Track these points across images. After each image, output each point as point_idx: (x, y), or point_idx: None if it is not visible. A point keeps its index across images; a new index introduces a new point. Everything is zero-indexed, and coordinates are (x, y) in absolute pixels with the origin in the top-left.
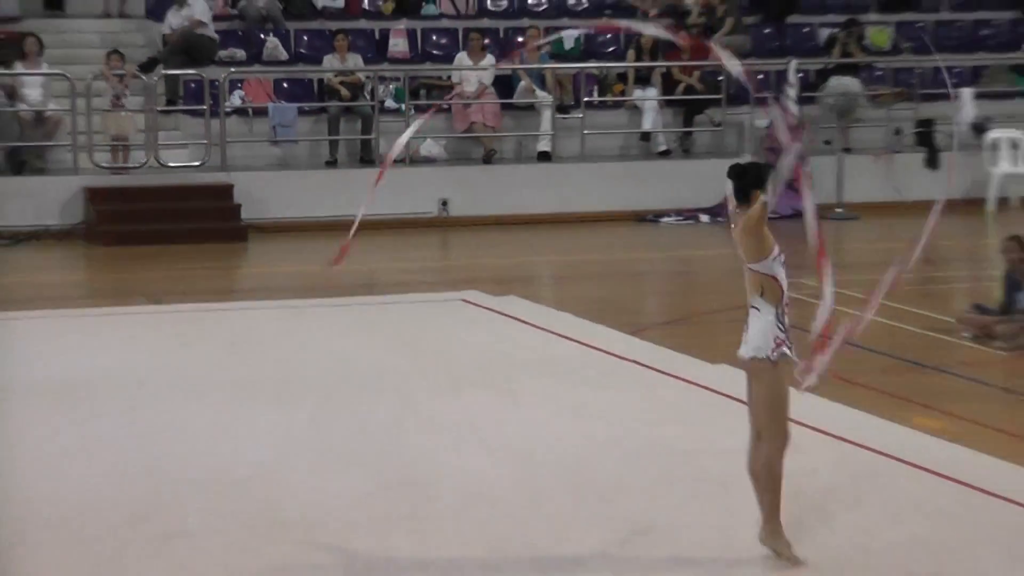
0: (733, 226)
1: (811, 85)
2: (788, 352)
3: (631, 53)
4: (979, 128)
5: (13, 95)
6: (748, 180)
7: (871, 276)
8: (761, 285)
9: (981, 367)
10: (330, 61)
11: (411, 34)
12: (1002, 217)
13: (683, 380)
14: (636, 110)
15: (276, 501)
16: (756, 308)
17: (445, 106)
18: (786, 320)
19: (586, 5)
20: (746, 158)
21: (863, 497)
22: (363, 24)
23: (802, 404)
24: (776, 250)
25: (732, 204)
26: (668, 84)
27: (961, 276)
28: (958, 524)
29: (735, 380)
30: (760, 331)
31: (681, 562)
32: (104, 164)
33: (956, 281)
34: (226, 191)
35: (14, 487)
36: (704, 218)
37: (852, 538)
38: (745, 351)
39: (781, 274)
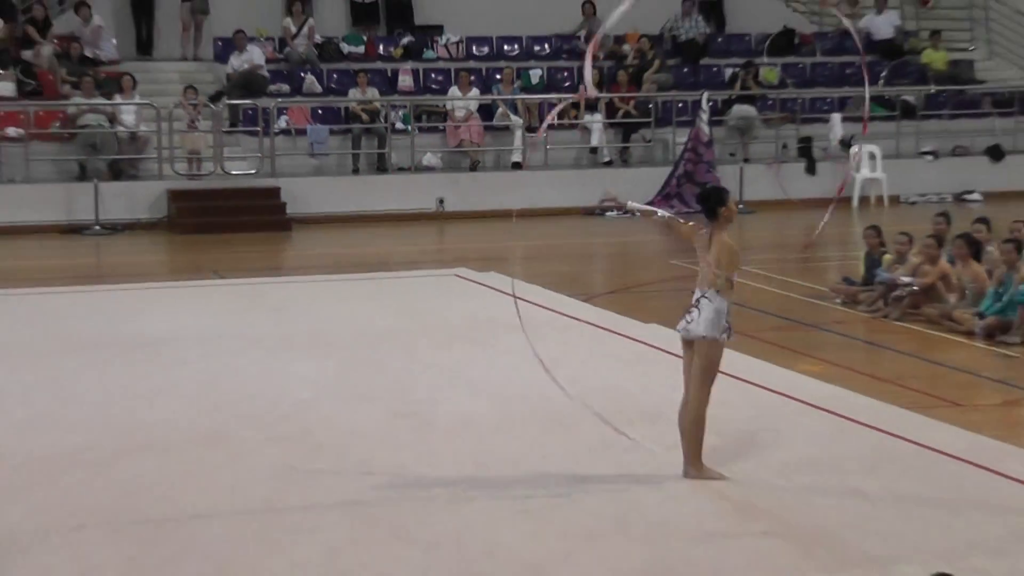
0: (700, 236)
1: (718, 111)
2: (728, 337)
3: (582, 88)
4: (845, 143)
5: (113, 120)
6: (712, 202)
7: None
8: (728, 284)
9: (849, 325)
10: (354, 93)
11: (415, 72)
12: (863, 211)
13: (623, 336)
14: (586, 130)
15: (312, 428)
16: (708, 299)
17: (441, 126)
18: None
19: (548, 51)
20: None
21: (760, 425)
22: (379, 65)
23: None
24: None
25: (702, 226)
26: (611, 110)
27: (833, 256)
28: (833, 446)
29: (664, 336)
30: (714, 318)
31: (624, 475)
32: (182, 172)
33: (829, 260)
34: (275, 192)
35: (119, 414)
36: (630, 204)
37: (752, 457)
38: (696, 329)
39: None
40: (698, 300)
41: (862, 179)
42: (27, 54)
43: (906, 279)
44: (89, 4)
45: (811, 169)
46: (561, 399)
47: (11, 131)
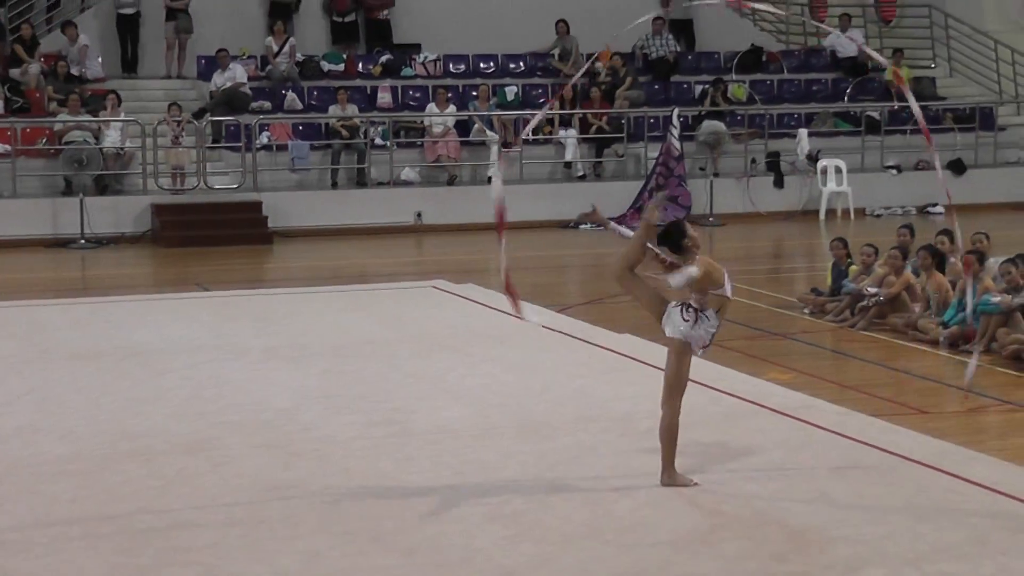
0: (663, 269)
1: (689, 126)
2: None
3: (556, 104)
4: (812, 158)
5: (99, 136)
6: (674, 237)
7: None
8: (720, 304)
9: (817, 335)
10: (334, 110)
11: (394, 90)
12: (830, 223)
13: (596, 345)
14: (560, 145)
15: (294, 436)
16: (707, 317)
17: (419, 142)
18: None
19: (523, 68)
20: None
21: (730, 433)
22: (358, 82)
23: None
24: (726, 277)
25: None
26: (584, 125)
27: (800, 267)
28: (800, 452)
29: (636, 346)
30: (702, 334)
31: (599, 481)
32: (166, 187)
33: (798, 271)
34: (256, 206)
35: (104, 423)
36: (613, 226)
37: (722, 464)
38: (675, 333)
39: (729, 291)
40: (694, 310)
41: (828, 192)
42: (15, 72)
43: (872, 290)
44: (76, 24)
45: (779, 183)
46: (538, 405)
47: None
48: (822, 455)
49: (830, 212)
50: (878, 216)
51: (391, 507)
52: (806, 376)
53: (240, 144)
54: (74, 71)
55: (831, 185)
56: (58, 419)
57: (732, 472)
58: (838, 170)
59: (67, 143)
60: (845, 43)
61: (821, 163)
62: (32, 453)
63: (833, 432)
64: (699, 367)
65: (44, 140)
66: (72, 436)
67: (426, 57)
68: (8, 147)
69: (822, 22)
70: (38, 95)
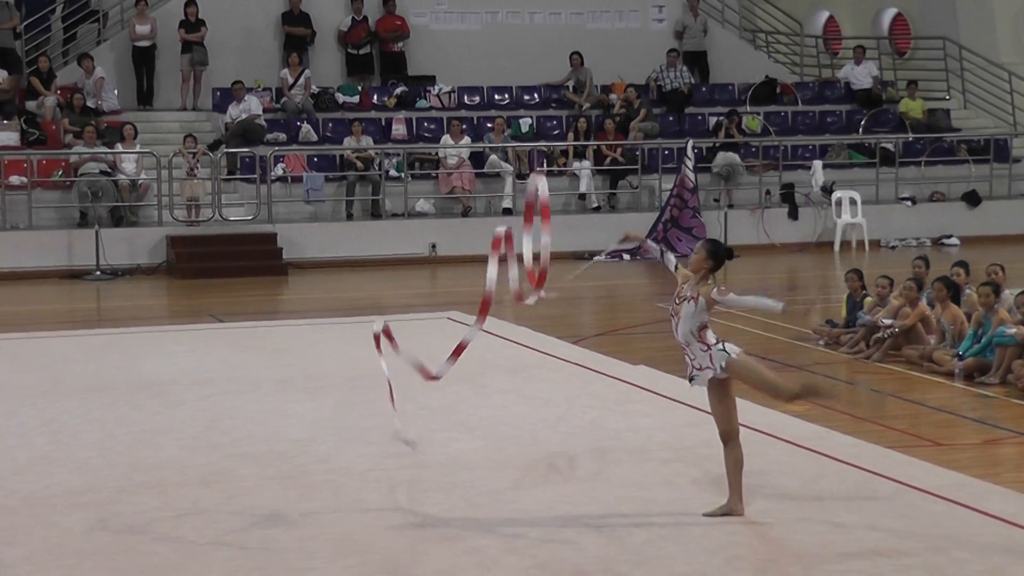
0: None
1: (703, 158)
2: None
3: (570, 135)
4: (827, 190)
5: (114, 168)
6: (724, 257)
7: None
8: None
9: (831, 366)
10: (348, 141)
11: (408, 121)
12: (844, 255)
13: (611, 377)
14: (575, 177)
15: (308, 467)
16: (707, 345)
17: (433, 173)
18: None
19: (537, 100)
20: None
21: (746, 464)
22: (373, 114)
23: (703, 396)
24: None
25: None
26: (598, 157)
27: (815, 298)
28: (815, 483)
29: (650, 377)
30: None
31: (612, 514)
32: (181, 218)
33: (812, 302)
34: (271, 238)
35: (118, 454)
36: (626, 257)
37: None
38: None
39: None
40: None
41: (843, 224)
42: (31, 105)
43: (887, 321)
44: (92, 56)
45: (793, 214)
46: (551, 437)
47: (15, 179)
48: (837, 487)
49: (845, 244)
50: (893, 248)
51: (406, 539)
52: (820, 408)
53: (255, 176)
54: (90, 103)
55: (846, 217)
56: (72, 451)
57: (746, 503)
58: (853, 202)
59: (82, 175)
60: (858, 74)
61: (836, 195)
62: (46, 485)
63: (848, 464)
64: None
65: (60, 172)
66: (86, 468)
67: (440, 89)
68: (24, 179)
69: (836, 54)
70: (54, 127)
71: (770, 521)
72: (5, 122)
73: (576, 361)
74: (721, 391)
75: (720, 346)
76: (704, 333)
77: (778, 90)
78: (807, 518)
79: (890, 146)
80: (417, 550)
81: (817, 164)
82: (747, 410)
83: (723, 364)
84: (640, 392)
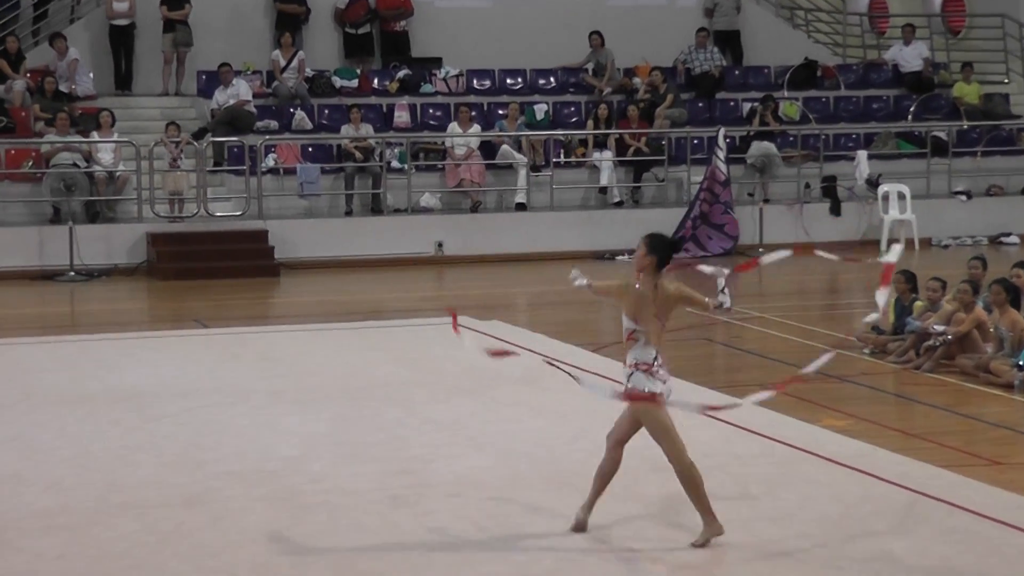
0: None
1: (736, 148)
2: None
3: (590, 123)
4: (872, 183)
5: (90, 158)
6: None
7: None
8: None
9: (877, 377)
10: (346, 130)
11: (412, 108)
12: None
13: None
14: (595, 169)
15: (302, 488)
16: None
17: (440, 165)
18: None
19: (553, 84)
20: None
21: (782, 484)
22: (373, 100)
23: (736, 409)
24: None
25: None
26: (621, 147)
27: (860, 303)
28: (859, 506)
29: (680, 389)
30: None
31: (632, 539)
32: (163, 214)
33: (856, 307)
34: (262, 236)
35: (94, 473)
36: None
37: (772, 520)
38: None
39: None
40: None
41: (890, 220)
42: None
43: (939, 328)
44: (65, 36)
45: (835, 210)
46: (568, 454)
47: None
48: (883, 510)
49: (892, 242)
50: (946, 247)
51: (409, 566)
52: (865, 423)
53: (244, 167)
54: (63, 87)
55: (893, 213)
56: (44, 469)
57: (784, 528)
58: (901, 196)
59: (55, 166)
60: (908, 56)
61: (882, 188)
62: (15, 505)
63: (895, 484)
64: (747, 412)
65: (30, 163)
66: (59, 487)
67: (447, 72)
68: None
69: (883, 34)
70: (24, 114)
71: (809, 547)
72: None
73: (596, 371)
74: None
75: (632, 371)
76: (629, 345)
77: (819, 73)
78: (850, 544)
79: (942, 134)
80: None
81: (861, 155)
82: (784, 425)
83: (627, 388)
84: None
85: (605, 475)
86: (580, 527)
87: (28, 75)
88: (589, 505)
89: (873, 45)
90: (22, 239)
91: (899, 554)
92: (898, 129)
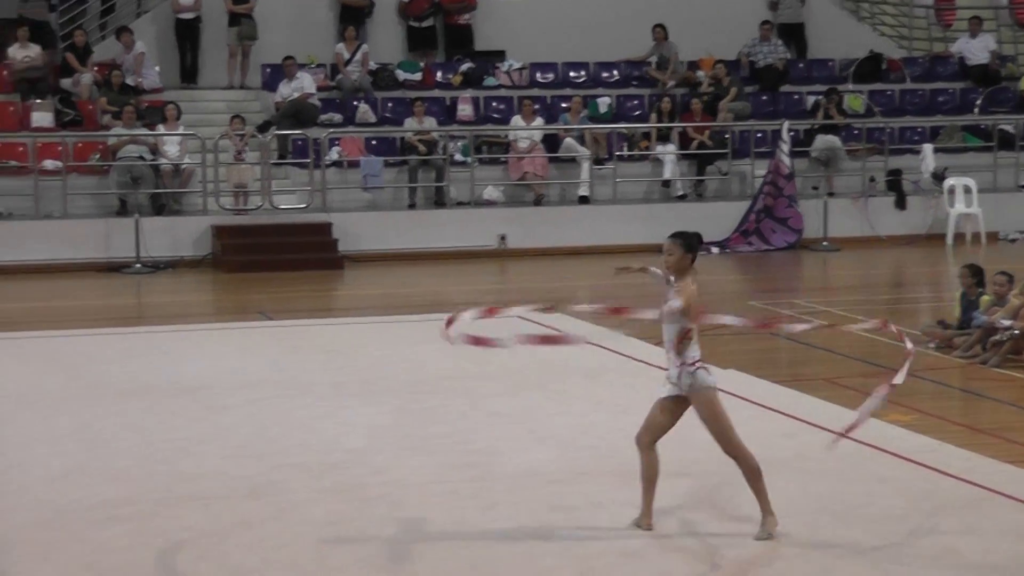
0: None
1: (800, 142)
2: None
3: (653, 116)
4: (938, 176)
5: (156, 151)
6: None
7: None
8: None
9: (943, 372)
10: (410, 123)
11: (475, 101)
12: (958, 248)
13: None
14: (658, 162)
15: (365, 479)
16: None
17: (502, 158)
18: None
19: (617, 77)
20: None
21: (847, 480)
22: (436, 93)
23: (800, 404)
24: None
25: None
26: (684, 140)
27: (925, 297)
28: (925, 502)
29: (742, 383)
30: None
31: (699, 531)
32: (228, 207)
33: (922, 301)
34: (326, 228)
35: (158, 464)
36: (714, 250)
37: (837, 516)
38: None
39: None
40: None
41: (956, 214)
42: (66, 83)
43: (1006, 322)
44: (131, 30)
45: (901, 204)
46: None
47: (49, 164)
48: (949, 506)
49: (958, 236)
50: (1012, 241)
51: (471, 557)
52: (931, 418)
53: (308, 160)
54: (129, 81)
55: (959, 206)
56: (109, 460)
57: (848, 524)
58: (967, 190)
59: (121, 159)
60: (974, 48)
61: (948, 182)
62: (80, 497)
63: (961, 480)
64: (811, 406)
65: (97, 156)
66: (124, 478)
67: (511, 65)
68: (59, 163)
69: (949, 26)
70: (91, 107)
71: (875, 543)
72: (39, 102)
73: (659, 365)
74: (676, 407)
75: (694, 368)
76: (684, 345)
77: (884, 66)
78: (916, 541)
79: (1009, 128)
80: (483, 571)
81: (927, 148)
82: (848, 420)
83: (690, 384)
84: (729, 399)
85: (651, 478)
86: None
87: (95, 69)
88: (647, 512)
89: (939, 38)
90: (89, 232)
91: (965, 551)
92: (964, 122)
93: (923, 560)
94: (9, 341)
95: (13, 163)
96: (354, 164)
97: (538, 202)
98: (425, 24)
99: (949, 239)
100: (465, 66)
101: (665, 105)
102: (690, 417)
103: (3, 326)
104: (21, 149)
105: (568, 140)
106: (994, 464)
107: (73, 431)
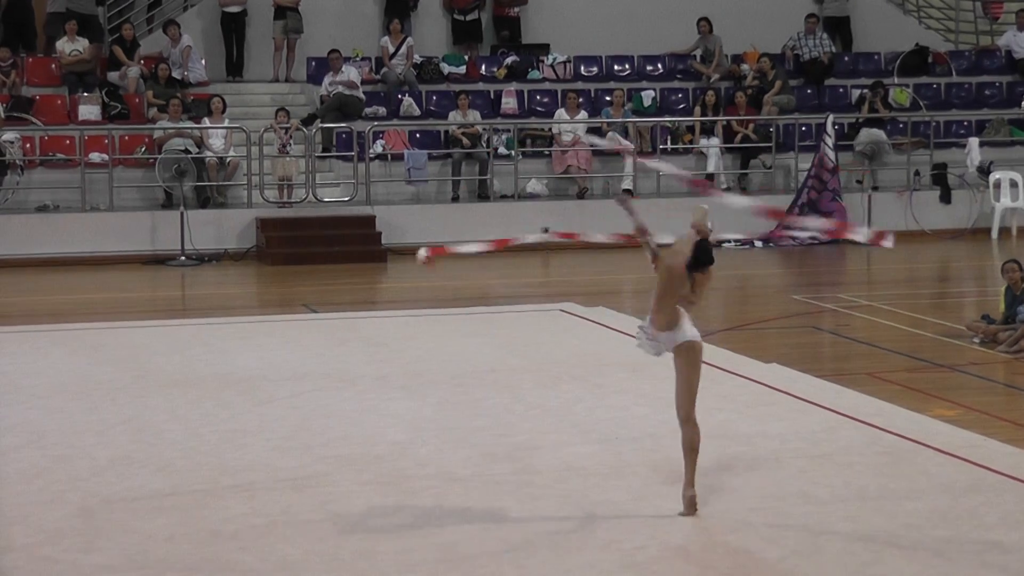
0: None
1: (845, 135)
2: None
3: (697, 109)
4: (984, 170)
5: (201, 144)
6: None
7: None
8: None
9: (988, 367)
10: (454, 116)
11: (519, 94)
12: (1003, 243)
13: (740, 376)
14: (702, 155)
15: (407, 473)
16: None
17: (546, 151)
18: None
19: (661, 71)
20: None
21: (890, 474)
22: (481, 86)
23: (843, 398)
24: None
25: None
26: (728, 134)
27: (970, 291)
28: (969, 497)
29: (785, 377)
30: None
31: (741, 525)
32: (272, 199)
33: (966, 295)
34: (370, 221)
35: (204, 455)
36: (758, 244)
37: (881, 510)
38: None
39: None
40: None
41: (1002, 208)
42: (113, 76)
43: None
44: (178, 23)
45: (946, 198)
46: (674, 442)
47: (95, 156)
48: (994, 502)
49: (1004, 230)
50: None
51: (512, 550)
52: (976, 413)
53: (352, 153)
54: (176, 74)
55: (1005, 200)
56: (155, 450)
57: (891, 518)
58: (1013, 184)
59: (167, 152)
60: (1022, 41)
61: (994, 176)
62: (127, 487)
63: (1006, 476)
64: (855, 401)
65: (143, 148)
66: (170, 469)
67: (555, 59)
68: (105, 156)
69: (996, 19)
70: (137, 100)
71: (918, 538)
72: (85, 95)
73: (702, 359)
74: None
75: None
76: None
77: (930, 59)
78: (960, 538)
79: None
80: (525, 565)
81: (973, 142)
82: (893, 414)
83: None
84: (773, 394)
85: (693, 448)
86: (691, 505)
87: (142, 62)
88: (690, 482)
89: (986, 31)
90: (135, 224)
91: (1009, 545)
92: (1011, 116)
93: (967, 554)
94: (56, 333)
95: (60, 156)
96: (398, 157)
97: (582, 195)
98: (470, 17)
99: (994, 233)
100: (509, 59)
101: (709, 98)
102: (740, 407)
103: (51, 318)
104: (68, 142)
105: (612, 133)
106: None
107: (119, 422)
